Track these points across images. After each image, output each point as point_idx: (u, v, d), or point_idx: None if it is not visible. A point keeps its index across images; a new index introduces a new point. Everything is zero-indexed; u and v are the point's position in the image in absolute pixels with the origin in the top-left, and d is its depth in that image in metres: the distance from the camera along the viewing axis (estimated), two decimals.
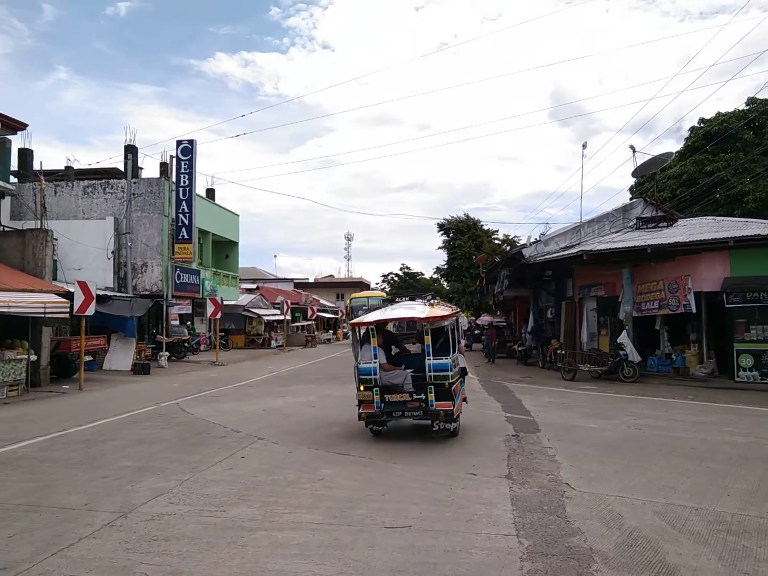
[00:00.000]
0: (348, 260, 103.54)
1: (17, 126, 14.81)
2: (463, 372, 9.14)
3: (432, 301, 9.12)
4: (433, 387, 7.86)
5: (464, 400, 9.24)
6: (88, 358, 17.80)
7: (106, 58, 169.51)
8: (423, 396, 7.87)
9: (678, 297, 15.93)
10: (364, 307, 38.22)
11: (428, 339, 7.98)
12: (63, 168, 27.48)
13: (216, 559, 4.13)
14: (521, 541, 4.39)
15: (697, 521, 4.80)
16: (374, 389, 7.99)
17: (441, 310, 8.87)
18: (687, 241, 15.69)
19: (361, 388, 8.15)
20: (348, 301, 40.43)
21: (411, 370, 8.32)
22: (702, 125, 32.04)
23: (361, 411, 8.18)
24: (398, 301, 10.20)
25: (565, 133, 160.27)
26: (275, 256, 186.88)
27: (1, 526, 4.88)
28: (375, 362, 8.09)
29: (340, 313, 58.13)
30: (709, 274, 15.42)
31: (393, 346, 9.12)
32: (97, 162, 25.84)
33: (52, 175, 26.48)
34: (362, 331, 8.68)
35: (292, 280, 65.16)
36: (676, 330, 17.41)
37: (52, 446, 8.14)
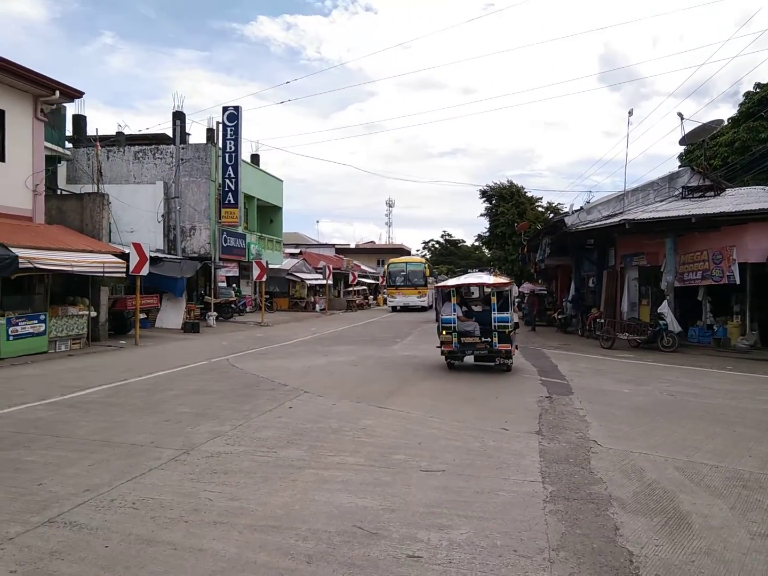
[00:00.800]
0: (389, 226, 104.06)
1: (74, 94, 15.42)
2: (516, 326, 11.83)
3: (495, 271, 11.55)
4: (497, 333, 10.83)
5: (516, 347, 11.93)
6: (143, 316, 18.76)
7: (150, 23, 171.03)
8: (489, 339, 10.92)
9: (722, 268, 15.74)
10: (402, 273, 38.25)
11: (494, 299, 11.10)
12: (113, 133, 28.40)
13: (269, 490, 4.66)
14: (546, 486, 4.77)
15: (715, 477, 5.09)
16: (453, 333, 11.05)
17: (502, 279, 12.38)
18: (733, 211, 15.42)
19: (444, 332, 11.20)
20: (387, 266, 40.68)
21: (477, 323, 11.28)
22: (758, 90, 30.76)
23: (443, 349, 11.37)
24: (469, 272, 13.63)
25: (615, 98, 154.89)
26: (318, 222, 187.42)
27: (82, 456, 5.53)
28: (454, 314, 11.16)
29: (380, 279, 58.48)
30: (756, 245, 15.16)
31: (464, 306, 12.30)
32: (147, 128, 26.74)
33: (105, 141, 27.39)
34: (445, 292, 11.76)
35: (333, 245, 65.78)
36: (719, 301, 17.23)
37: (117, 393, 8.88)
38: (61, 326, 13.99)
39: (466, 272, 14.38)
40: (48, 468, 5.20)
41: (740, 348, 15.60)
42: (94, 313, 15.35)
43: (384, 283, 43.39)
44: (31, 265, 12.28)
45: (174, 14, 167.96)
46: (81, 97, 15.65)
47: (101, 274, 14.42)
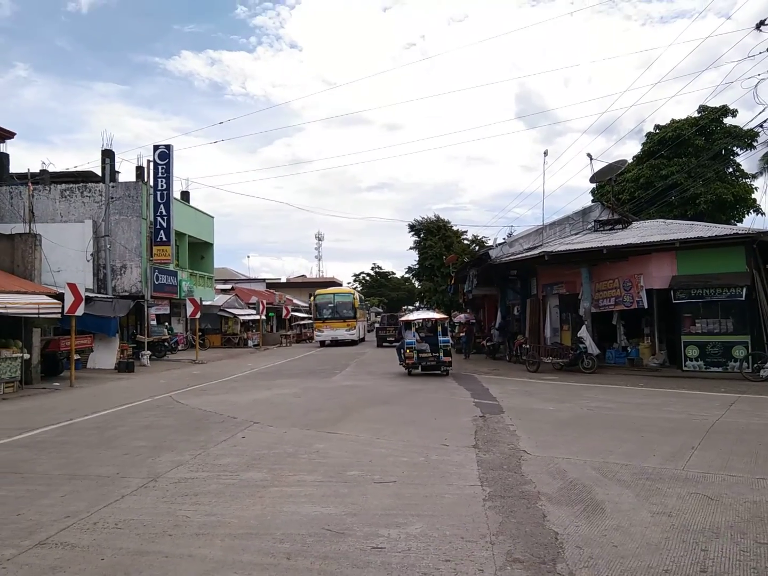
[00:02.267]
0: (319, 260, 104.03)
1: (6, 135, 15.40)
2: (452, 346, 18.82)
3: (436, 309, 15.33)
4: (442, 350, 16.34)
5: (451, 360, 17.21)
6: (76, 357, 18.42)
7: (67, 55, 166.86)
8: (437, 354, 16.41)
9: (632, 294, 17.28)
10: (329, 305, 36.84)
11: (440, 328, 16.80)
12: (29, 170, 27.73)
13: (241, 506, 5.14)
14: (484, 488, 5.49)
15: (625, 473, 5.97)
16: (414, 351, 16.45)
17: (442, 315, 19.60)
18: (639, 242, 17.05)
19: (407, 351, 16.58)
20: (313, 298, 39.12)
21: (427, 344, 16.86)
22: (657, 131, 33.82)
23: (406, 362, 16.72)
24: (419, 309, 21.23)
25: (531, 134, 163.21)
26: (248, 257, 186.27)
27: (52, 489, 5.80)
28: (414, 338, 16.88)
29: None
30: (659, 273, 16.80)
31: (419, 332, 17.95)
32: (75, 166, 26.26)
33: (26, 179, 26.84)
34: (407, 324, 17.88)
35: (263, 280, 65.60)
36: (631, 324, 18.81)
37: (67, 432, 9.00)
38: None
39: (418, 309, 25.15)
40: (22, 500, 5.46)
41: (651, 366, 17.11)
42: (27, 355, 15.08)
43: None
44: None
45: (92, 47, 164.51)
46: (12, 137, 15.63)
47: (36, 315, 14.30)
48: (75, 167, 25.99)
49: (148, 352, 22.91)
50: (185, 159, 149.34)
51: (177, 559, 4.02)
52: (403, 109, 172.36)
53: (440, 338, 16.54)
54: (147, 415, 10.51)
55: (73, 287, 15.52)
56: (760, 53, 15.33)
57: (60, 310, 15.08)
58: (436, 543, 4.18)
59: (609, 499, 5.11)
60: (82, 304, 15.77)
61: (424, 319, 18.78)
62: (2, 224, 22.92)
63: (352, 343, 36.14)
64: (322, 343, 36.12)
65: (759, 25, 15.57)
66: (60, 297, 15.61)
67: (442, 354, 16.35)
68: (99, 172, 26.82)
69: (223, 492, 5.56)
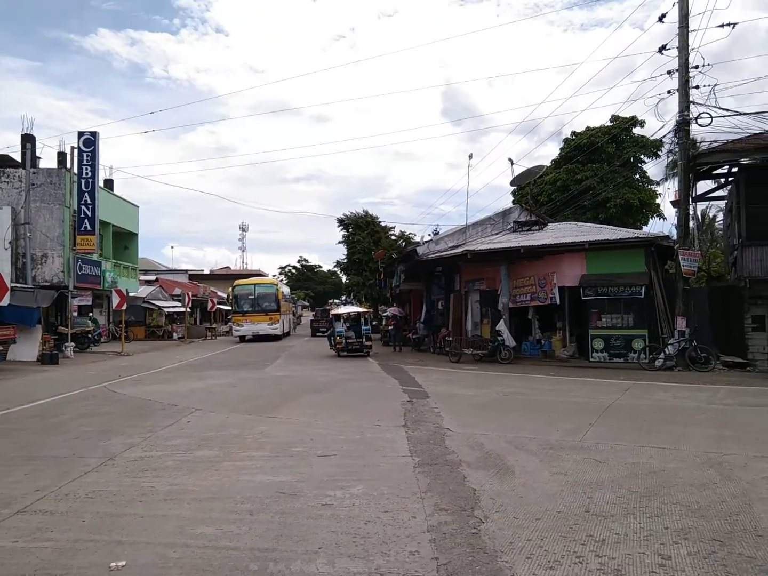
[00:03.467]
0: (243, 251, 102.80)
1: None
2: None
3: (361, 302, 17.76)
4: (364, 336, 21.53)
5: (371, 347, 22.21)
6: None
7: None
8: (360, 340, 21.58)
9: (546, 290, 18.75)
10: (250, 296, 33.56)
11: (363, 319, 22.34)
12: None
13: (199, 477, 5.75)
14: (414, 458, 6.35)
15: (532, 445, 6.99)
16: (343, 338, 21.32)
17: (365, 309, 25.83)
18: (552, 243, 18.54)
19: (338, 338, 21.41)
20: (231, 289, 35.85)
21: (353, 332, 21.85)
22: (574, 137, 36.04)
23: (337, 347, 21.49)
24: (346, 304, 27.31)
25: (457, 133, 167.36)
26: (172, 247, 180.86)
27: (12, 469, 6.17)
28: (342, 328, 21.85)
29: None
30: (570, 272, 18.35)
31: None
32: None
33: None
34: (337, 316, 23.07)
35: (186, 271, 64.24)
36: (545, 319, 20.36)
37: (7, 420, 9.17)
38: None
39: (345, 304, 28.76)
40: None
41: (562, 358, 18.66)
42: None
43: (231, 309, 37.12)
44: None
45: None
46: None
47: None
48: None
49: (72, 343, 22.49)
50: (103, 142, 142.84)
51: (152, 519, 4.61)
52: (331, 102, 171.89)
53: (363, 327, 22.06)
54: (85, 404, 10.73)
55: None
56: (661, 75, 17.03)
57: None
58: (376, 499, 4.98)
59: (518, 464, 6.08)
60: (8, 294, 15.54)
61: (350, 312, 23.69)
62: None
63: (275, 338, 33.29)
64: (242, 339, 33.32)
65: (661, 49, 17.30)
66: None
67: (364, 339, 21.62)
68: (16, 157, 25.91)
69: (181, 467, 6.13)
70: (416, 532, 4.26)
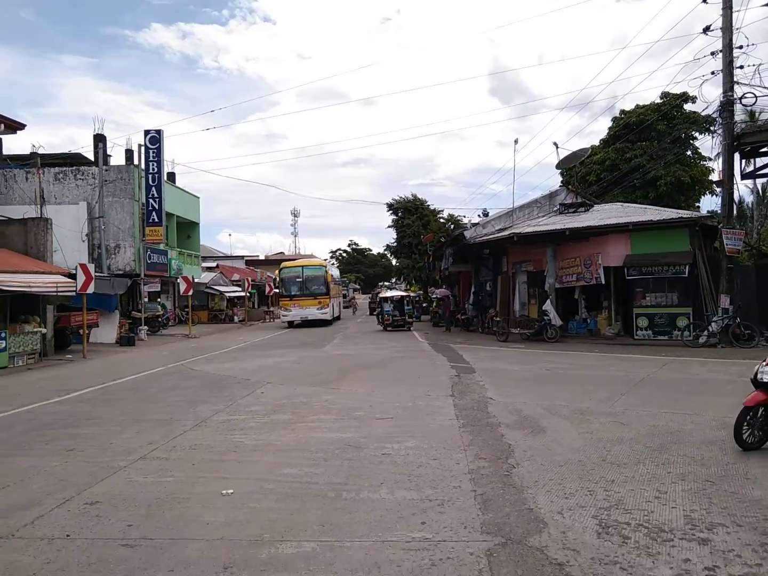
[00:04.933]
0: (295, 236, 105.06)
1: (17, 126, 16.60)
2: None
3: (400, 287, 20.62)
4: (407, 315, 27.08)
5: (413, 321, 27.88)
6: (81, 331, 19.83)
7: (31, 26, 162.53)
8: (404, 317, 27.00)
9: (591, 271, 19.26)
10: (298, 279, 31.82)
11: (405, 301, 27.79)
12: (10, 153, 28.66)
13: (279, 434, 6.90)
14: (459, 421, 7.34)
15: (565, 411, 7.86)
16: (390, 316, 26.86)
17: (412, 292, 37.37)
18: (597, 225, 18.98)
19: (385, 316, 26.97)
20: (278, 272, 33.78)
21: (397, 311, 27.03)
22: (623, 116, 35.75)
23: (384, 323, 26.94)
24: (389, 287, 36.31)
25: (506, 111, 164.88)
26: (230, 235, 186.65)
27: (124, 429, 7.48)
28: (389, 308, 27.20)
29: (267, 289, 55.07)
30: (615, 252, 18.78)
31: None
32: (69, 151, 27.25)
33: (18, 161, 27.79)
34: (385, 299, 28.39)
35: (242, 257, 66.63)
36: (591, 298, 20.86)
37: (107, 393, 10.63)
38: (19, 343, 15.18)
39: (391, 288, 32.23)
40: (106, 436, 7.13)
41: (607, 336, 19.18)
42: (44, 330, 16.52)
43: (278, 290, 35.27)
44: None
45: (58, 19, 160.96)
46: (23, 128, 16.82)
47: (55, 293, 15.71)
48: (69, 151, 26.95)
49: (145, 327, 24.38)
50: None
51: (246, 463, 5.78)
52: (378, 85, 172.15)
53: (405, 307, 27.43)
54: (169, 379, 12.16)
55: (84, 267, 16.93)
56: (704, 57, 17.16)
57: (74, 289, 16.50)
58: (426, 451, 6.00)
59: (550, 426, 6.99)
60: (93, 282, 17.20)
61: (394, 296, 29.09)
62: (1, 206, 23.94)
63: (324, 323, 31.44)
64: (290, 324, 31.56)
65: (705, 30, 17.41)
66: (72, 276, 17.00)
67: (406, 317, 27.07)
68: (88, 155, 27.92)
69: (262, 427, 7.31)
70: (459, 474, 5.26)
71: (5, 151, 27.00)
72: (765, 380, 5.78)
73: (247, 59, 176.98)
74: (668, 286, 17.90)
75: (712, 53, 16.70)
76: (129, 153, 28.97)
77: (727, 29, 16.24)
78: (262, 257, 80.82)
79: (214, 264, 45.11)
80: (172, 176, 34.87)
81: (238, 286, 39.63)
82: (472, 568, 3.49)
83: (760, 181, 32.31)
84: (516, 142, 24.23)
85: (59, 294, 15.93)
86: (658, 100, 34.70)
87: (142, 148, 26.87)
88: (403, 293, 30.48)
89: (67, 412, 8.73)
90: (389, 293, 30.66)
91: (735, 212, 18.33)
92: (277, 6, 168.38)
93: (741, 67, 16.14)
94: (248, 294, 37.92)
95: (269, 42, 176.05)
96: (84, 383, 11.78)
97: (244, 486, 5.08)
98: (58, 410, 8.95)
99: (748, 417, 5.77)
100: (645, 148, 33.19)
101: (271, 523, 4.26)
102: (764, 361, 5.95)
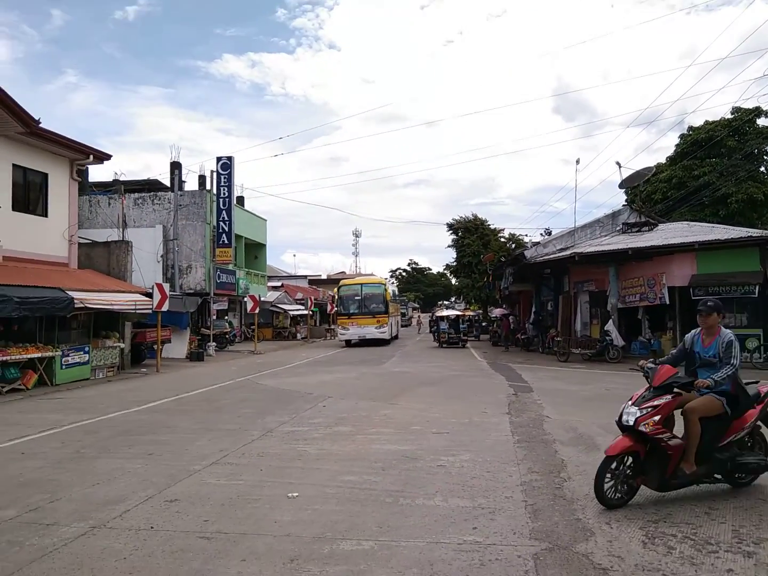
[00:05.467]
0: (356, 256, 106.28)
1: (104, 156, 17.95)
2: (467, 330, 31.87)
3: (459, 306, 25.72)
4: (462, 333, 29.21)
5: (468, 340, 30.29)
6: (155, 347, 20.98)
7: (114, 61, 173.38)
8: (459, 335, 28.91)
9: (655, 291, 18.91)
10: (356, 297, 31.16)
11: (460, 320, 30.22)
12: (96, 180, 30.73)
13: (340, 445, 7.28)
14: (514, 437, 7.52)
15: None
16: (446, 333, 28.65)
17: (465, 311, 39.51)
18: (661, 244, 18.67)
19: (442, 334, 28.96)
20: (337, 290, 33.21)
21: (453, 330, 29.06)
22: (691, 133, 34.89)
23: (440, 340, 29.01)
24: (447, 306, 41.53)
25: (570, 129, 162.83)
26: (294, 255, 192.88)
27: (198, 437, 8.04)
28: (445, 326, 29.18)
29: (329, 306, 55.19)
30: (680, 272, 18.39)
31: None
32: (148, 178, 29.07)
33: (102, 187, 29.85)
34: (441, 318, 30.75)
35: (305, 276, 68.18)
36: (655, 319, 20.42)
37: (181, 404, 11.33)
38: (100, 356, 16.28)
39: (449, 307, 38.68)
40: (181, 442, 7.71)
41: None
42: (122, 345, 17.63)
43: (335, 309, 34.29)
44: (82, 305, 14.62)
45: (138, 53, 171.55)
46: (110, 159, 18.16)
47: (134, 311, 16.78)
48: (148, 178, 28.72)
49: (214, 343, 25.48)
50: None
51: (310, 470, 6.17)
52: (440, 106, 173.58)
53: (461, 326, 29.71)
54: (238, 392, 12.80)
55: (159, 287, 17.99)
56: None
57: (151, 307, 17.56)
58: (480, 464, 6.24)
59: (605, 443, 7.00)
60: (167, 301, 18.23)
61: (450, 315, 31.28)
62: (86, 230, 25.72)
63: (382, 342, 30.70)
64: (348, 343, 30.98)
65: None
66: (148, 295, 18.09)
67: (462, 335, 28.98)
68: (164, 180, 29.65)
69: (324, 438, 7.72)
70: (511, 485, 5.48)
71: (89, 179, 29.08)
72: (630, 423, 4.97)
73: (312, 85, 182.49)
74: (737, 307, 17.38)
75: None
76: (202, 179, 30.60)
77: None
78: (324, 276, 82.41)
79: (278, 283, 46.49)
80: (241, 200, 36.39)
81: (302, 304, 40.71)
82: (519, 569, 3.73)
83: None
84: (578, 162, 24.13)
85: (137, 311, 16.98)
86: (729, 116, 33.77)
87: (214, 174, 28.28)
88: (459, 312, 33.72)
89: (146, 421, 9.42)
90: (445, 312, 33.27)
91: None
92: (341, 33, 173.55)
93: None
94: (311, 312, 38.85)
95: (334, 68, 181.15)
96: (159, 395, 12.56)
97: (308, 490, 5.47)
98: (138, 419, 9.65)
99: (612, 467, 4.86)
100: (714, 164, 32.28)
101: (332, 523, 4.62)
102: (630, 399, 5.22)
